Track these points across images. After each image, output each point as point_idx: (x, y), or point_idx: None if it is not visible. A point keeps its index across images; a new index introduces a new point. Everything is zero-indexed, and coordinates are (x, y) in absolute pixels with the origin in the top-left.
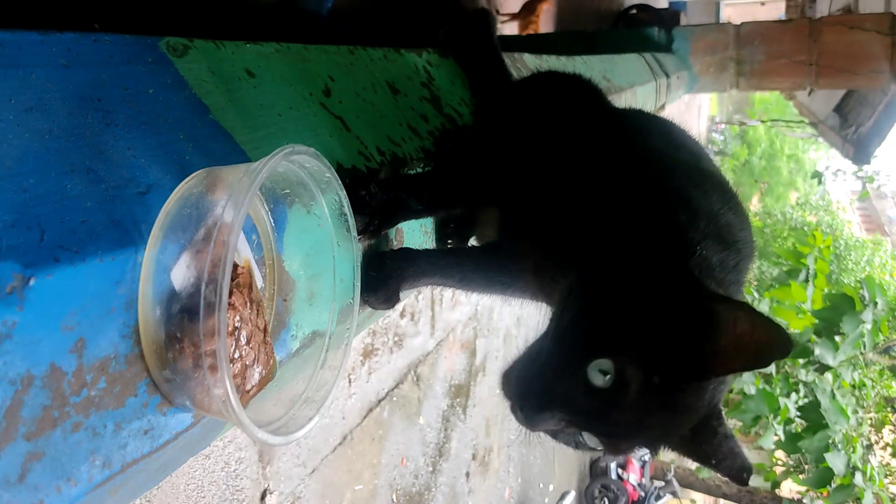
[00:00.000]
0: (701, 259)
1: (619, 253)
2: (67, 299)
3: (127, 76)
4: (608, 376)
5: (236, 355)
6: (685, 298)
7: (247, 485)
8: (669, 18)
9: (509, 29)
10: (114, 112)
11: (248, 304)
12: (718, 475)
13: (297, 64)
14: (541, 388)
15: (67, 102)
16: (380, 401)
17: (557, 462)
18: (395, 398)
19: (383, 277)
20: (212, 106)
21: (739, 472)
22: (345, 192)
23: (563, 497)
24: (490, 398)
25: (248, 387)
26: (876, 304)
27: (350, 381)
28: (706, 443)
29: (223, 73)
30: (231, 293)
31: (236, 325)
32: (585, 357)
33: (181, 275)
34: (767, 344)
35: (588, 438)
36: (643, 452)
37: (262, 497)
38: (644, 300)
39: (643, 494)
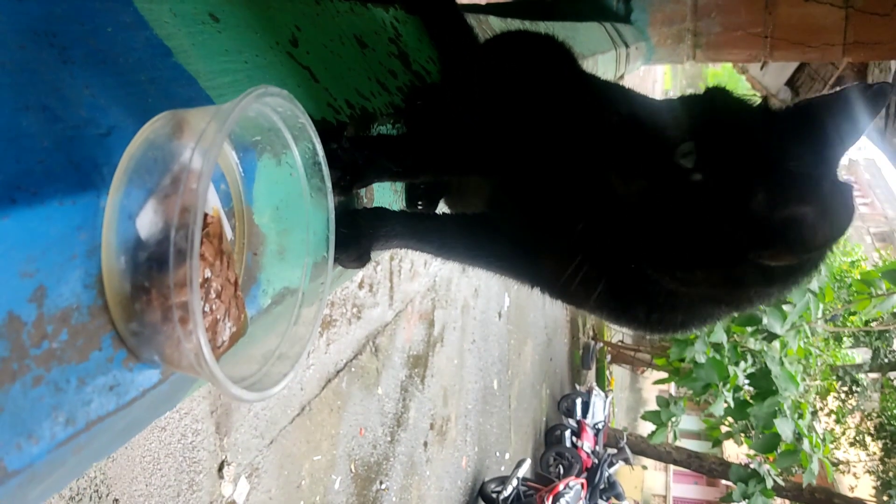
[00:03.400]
0: None
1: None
2: (25, 243)
3: (83, 12)
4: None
5: (207, 309)
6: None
7: (204, 456)
8: None
9: None
10: (70, 49)
11: (219, 255)
12: (668, 443)
13: (262, 11)
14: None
15: (20, 35)
16: (338, 371)
17: (513, 431)
18: (353, 369)
19: (355, 235)
20: (174, 49)
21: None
22: (319, 139)
23: (518, 465)
24: (448, 368)
25: (219, 342)
26: (820, 271)
27: (308, 353)
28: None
29: (186, 16)
30: (201, 243)
31: (206, 276)
32: (673, 139)
33: (147, 222)
34: None
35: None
36: (598, 420)
37: (220, 469)
38: None
39: (596, 461)
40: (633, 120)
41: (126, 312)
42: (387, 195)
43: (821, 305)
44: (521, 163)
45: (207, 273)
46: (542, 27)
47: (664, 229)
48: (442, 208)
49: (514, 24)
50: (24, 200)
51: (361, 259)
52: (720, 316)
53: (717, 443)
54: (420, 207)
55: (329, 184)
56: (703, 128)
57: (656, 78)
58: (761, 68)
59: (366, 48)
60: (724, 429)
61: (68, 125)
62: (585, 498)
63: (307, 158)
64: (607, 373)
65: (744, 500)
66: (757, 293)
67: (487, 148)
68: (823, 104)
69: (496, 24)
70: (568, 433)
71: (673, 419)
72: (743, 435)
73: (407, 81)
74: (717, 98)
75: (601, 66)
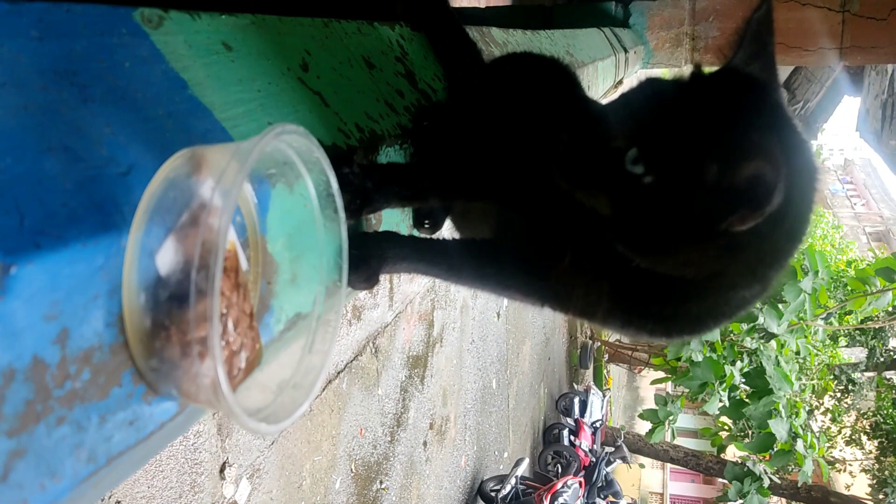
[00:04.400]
0: None
1: None
2: (50, 288)
3: (102, 48)
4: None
5: (223, 342)
6: None
7: (206, 458)
8: None
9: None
10: (90, 87)
11: (235, 288)
12: (666, 441)
13: (274, 37)
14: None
15: (42, 76)
16: (339, 372)
17: (512, 430)
18: (353, 369)
19: (364, 256)
20: (190, 81)
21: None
22: (333, 171)
23: (517, 464)
24: (447, 368)
25: (235, 372)
26: (817, 272)
27: None
28: None
29: (200, 46)
30: None
31: (223, 310)
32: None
33: (167, 260)
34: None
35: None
36: (595, 419)
37: (222, 470)
38: None
39: (594, 460)
40: (582, 139)
41: (146, 349)
42: (394, 214)
43: (825, 311)
44: (524, 183)
45: (224, 307)
46: (544, 37)
47: (643, 231)
48: (449, 227)
49: (516, 34)
50: (49, 245)
51: (370, 280)
52: (738, 303)
53: (722, 449)
54: (427, 226)
55: (342, 214)
56: (642, 128)
57: None
58: None
59: (374, 69)
60: (723, 434)
61: (90, 165)
62: (583, 496)
63: (321, 190)
64: (605, 372)
65: (740, 498)
66: (761, 255)
67: (492, 170)
68: (738, 54)
69: (498, 36)
70: (566, 432)
71: (670, 418)
72: (739, 437)
73: (414, 101)
74: (647, 91)
75: (601, 72)
